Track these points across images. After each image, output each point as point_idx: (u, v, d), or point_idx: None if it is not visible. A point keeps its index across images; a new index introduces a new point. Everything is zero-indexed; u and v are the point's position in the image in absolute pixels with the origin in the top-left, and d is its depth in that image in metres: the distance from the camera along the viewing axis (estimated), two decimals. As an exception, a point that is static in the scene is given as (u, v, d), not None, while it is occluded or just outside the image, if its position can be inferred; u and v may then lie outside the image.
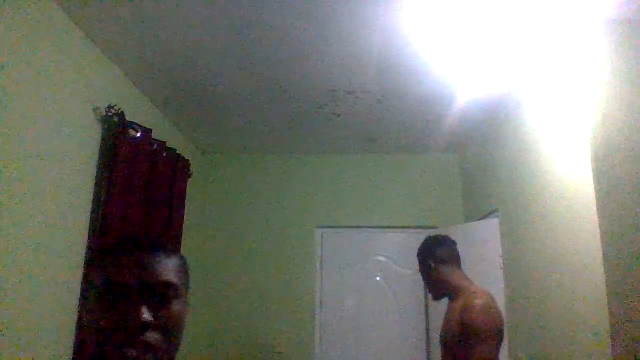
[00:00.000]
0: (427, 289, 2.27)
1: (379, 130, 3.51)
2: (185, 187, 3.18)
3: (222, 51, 2.41)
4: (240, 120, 3.38)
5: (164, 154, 2.83)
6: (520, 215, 2.67)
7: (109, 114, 2.36)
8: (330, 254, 3.94)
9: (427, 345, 3.68)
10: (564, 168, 2.15)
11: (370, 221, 3.94)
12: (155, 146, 2.72)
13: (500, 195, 3.04)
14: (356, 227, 3.96)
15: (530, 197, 2.54)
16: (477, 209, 3.51)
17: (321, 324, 3.78)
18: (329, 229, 3.98)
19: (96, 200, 2.30)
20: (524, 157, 2.62)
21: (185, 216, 3.11)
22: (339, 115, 3.22)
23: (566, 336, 2.08)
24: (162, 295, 0.74)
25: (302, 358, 3.64)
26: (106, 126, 2.38)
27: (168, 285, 0.75)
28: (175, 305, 0.75)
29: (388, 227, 3.95)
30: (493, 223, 3.06)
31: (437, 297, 2.18)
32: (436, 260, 2.14)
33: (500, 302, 2.74)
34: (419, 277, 2.28)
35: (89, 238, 2.23)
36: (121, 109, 2.40)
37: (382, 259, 3.92)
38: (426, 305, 3.69)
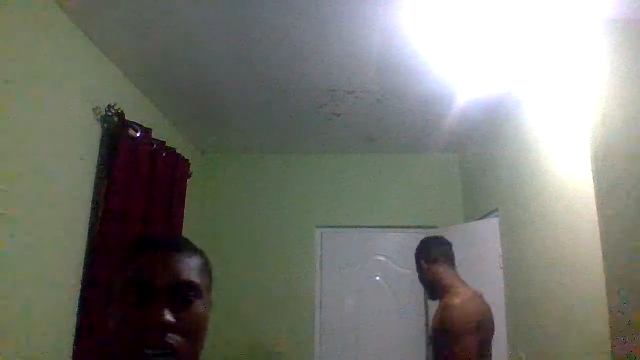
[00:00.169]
0: (424, 289, 2.35)
1: (379, 130, 3.51)
2: (185, 187, 3.18)
3: (222, 51, 2.41)
4: (240, 120, 3.38)
5: (164, 154, 2.83)
6: (520, 215, 2.67)
7: (109, 114, 2.36)
8: (330, 254, 3.94)
9: (427, 346, 3.67)
10: (564, 168, 2.15)
11: (370, 221, 3.94)
12: (155, 146, 2.72)
13: (500, 195, 3.04)
14: (356, 227, 3.96)
15: (530, 197, 2.54)
16: (477, 209, 3.51)
17: (321, 324, 3.77)
18: (329, 229, 3.97)
19: (96, 200, 2.30)
20: (524, 157, 2.62)
21: (185, 216, 3.11)
22: (339, 115, 3.22)
23: (566, 336, 2.08)
24: (185, 296, 0.72)
25: (302, 358, 3.64)
26: (106, 126, 2.38)
27: (191, 286, 0.73)
28: (199, 307, 0.74)
29: (388, 227, 3.95)
30: (493, 223, 3.06)
31: (432, 297, 2.26)
32: (428, 260, 2.24)
33: (500, 302, 2.77)
34: (418, 277, 2.34)
35: (89, 238, 2.23)
36: (121, 109, 2.40)
37: (382, 259, 3.92)
38: (426, 306, 3.69)
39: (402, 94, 2.87)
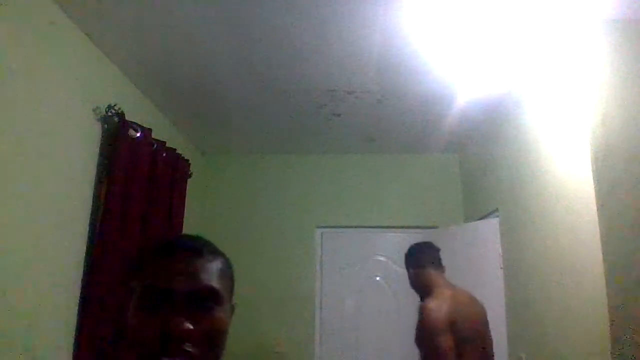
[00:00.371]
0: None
1: (379, 130, 3.51)
2: (185, 187, 3.18)
3: (222, 51, 2.41)
4: (240, 120, 3.38)
5: (164, 154, 2.83)
6: (520, 215, 2.67)
7: (109, 114, 2.36)
8: (330, 254, 3.94)
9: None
10: (564, 168, 2.15)
11: (370, 221, 3.93)
12: (155, 146, 2.72)
13: (500, 195, 3.04)
14: (356, 227, 3.96)
15: (530, 197, 2.54)
16: (477, 209, 3.51)
17: (321, 324, 3.77)
18: (329, 229, 3.97)
19: (96, 201, 2.30)
20: (524, 157, 2.62)
21: (185, 216, 3.11)
22: (339, 115, 3.22)
23: (566, 336, 2.08)
24: (205, 302, 0.70)
25: (302, 358, 3.64)
26: (106, 126, 2.38)
27: (211, 291, 0.71)
28: (218, 313, 0.71)
29: (388, 227, 3.95)
30: (493, 223, 3.06)
31: (422, 300, 2.33)
32: (415, 265, 2.38)
33: (500, 302, 2.77)
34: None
35: (88, 238, 2.23)
36: (121, 109, 2.40)
37: (382, 259, 3.91)
38: (426, 306, 3.69)
39: (402, 94, 2.87)
